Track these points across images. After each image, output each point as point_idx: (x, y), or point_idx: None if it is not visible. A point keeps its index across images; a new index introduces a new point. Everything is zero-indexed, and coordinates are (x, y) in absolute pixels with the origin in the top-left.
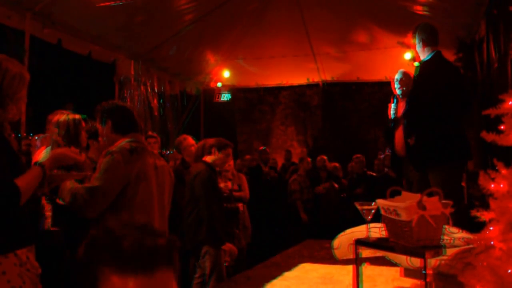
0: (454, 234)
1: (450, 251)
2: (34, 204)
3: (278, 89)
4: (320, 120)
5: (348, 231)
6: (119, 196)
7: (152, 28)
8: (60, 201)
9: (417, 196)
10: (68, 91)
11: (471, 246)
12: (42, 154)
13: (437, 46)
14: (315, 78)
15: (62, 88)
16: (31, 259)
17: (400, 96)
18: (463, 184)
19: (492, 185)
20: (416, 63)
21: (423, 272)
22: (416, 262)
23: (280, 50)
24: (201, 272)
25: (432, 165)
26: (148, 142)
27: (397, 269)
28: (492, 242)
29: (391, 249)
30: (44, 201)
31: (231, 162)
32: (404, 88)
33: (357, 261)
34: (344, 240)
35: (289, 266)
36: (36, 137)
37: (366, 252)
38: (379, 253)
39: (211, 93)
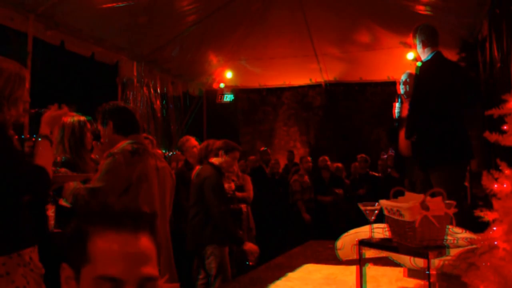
0: (457, 234)
1: (453, 252)
2: (38, 205)
3: (281, 90)
4: (323, 120)
5: (352, 231)
6: (121, 197)
7: (155, 30)
8: (63, 202)
9: (421, 196)
10: (71, 92)
11: (474, 246)
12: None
13: (437, 46)
14: (318, 78)
15: (65, 89)
16: (34, 259)
17: (405, 97)
18: (466, 184)
19: (495, 185)
20: (418, 63)
21: (427, 272)
22: (419, 262)
23: (282, 50)
24: (205, 273)
25: (433, 165)
26: None
27: (401, 269)
28: (495, 243)
29: (395, 250)
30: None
31: (237, 165)
32: (409, 89)
33: (361, 262)
34: (347, 240)
35: (292, 266)
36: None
37: (369, 253)
38: (382, 254)
39: (214, 94)
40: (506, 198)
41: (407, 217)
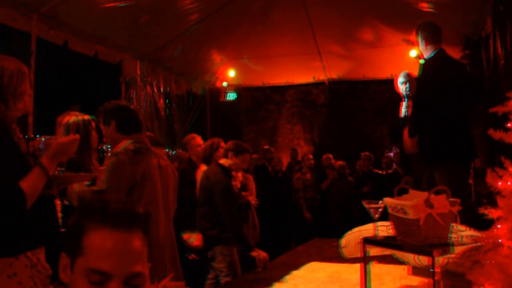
0: (462, 232)
1: (458, 249)
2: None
3: (284, 88)
4: (326, 118)
5: (356, 229)
6: (126, 196)
7: (158, 28)
8: (67, 203)
9: (425, 194)
10: (74, 92)
11: (479, 244)
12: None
13: (440, 44)
14: (321, 76)
15: (68, 89)
16: (41, 260)
17: (405, 95)
18: (470, 181)
19: (500, 183)
20: (421, 61)
21: (431, 270)
22: (424, 260)
23: (285, 48)
24: (215, 273)
25: (437, 163)
26: None
27: (405, 267)
28: (500, 240)
29: (399, 248)
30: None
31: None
32: (409, 89)
33: (365, 260)
34: (351, 238)
35: (297, 265)
36: (43, 138)
37: (373, 251)
38: (386, 252)
39: (217, 93)
40: (511, 195)
41: (411, 215)
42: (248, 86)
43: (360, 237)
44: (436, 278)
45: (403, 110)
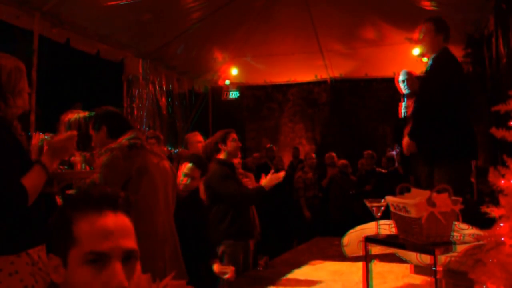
0: (464, 231)
1: (460, 248)
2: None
3: (286, 87)
4: (328, 117)
5: (358, 228)
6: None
7: (160, 27)
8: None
9: (427, 192)
10: (76, 90)
11: (481, 242)
12: None
13: (446, 42)
14: (323, 75)
15: (70, 87)
16: (43, 258)
17: (406, 97)
18: (472, 180)
19: (502, 181)
20: (424, 59)
21: (433, 269)
22: (426, 259)
23: (288, 47)
24: None
25: (438, 161)
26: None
27: (407, 266)
28: (502, 239)
29: (401, 246)
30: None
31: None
32: (411, 88)
33: (367, 258)
34: (353, 237)
35: (299, 263)
36: (46, 136)
37: (375, 249)
38: (388, 250)
39: (219, 91)
40: None
41: (413, 214)
42: (250, 85)
43: (362, 236)
44: (438, 276)
45: (402, 111)
